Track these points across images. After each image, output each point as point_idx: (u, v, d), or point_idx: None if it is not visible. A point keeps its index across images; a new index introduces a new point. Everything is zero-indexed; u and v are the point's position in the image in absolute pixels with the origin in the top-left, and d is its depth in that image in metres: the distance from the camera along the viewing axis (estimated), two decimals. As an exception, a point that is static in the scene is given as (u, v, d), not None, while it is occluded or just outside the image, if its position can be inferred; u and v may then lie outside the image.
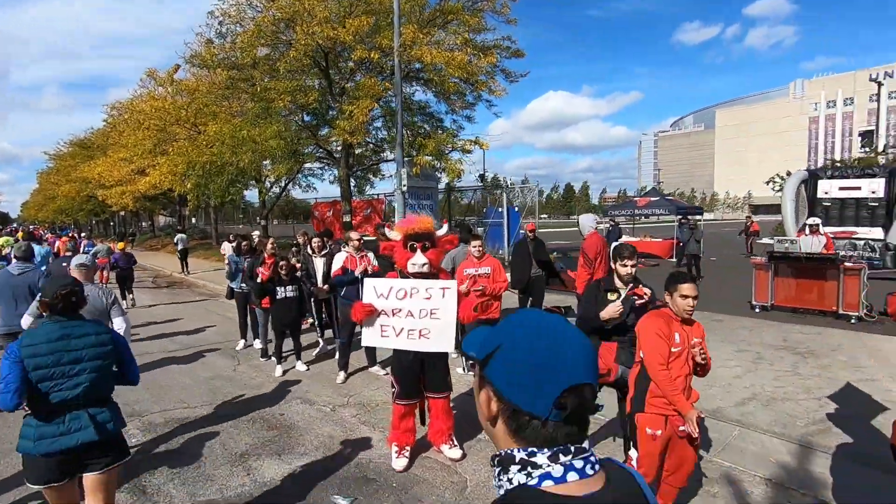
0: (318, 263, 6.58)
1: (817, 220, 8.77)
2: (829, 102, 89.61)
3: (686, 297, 2.64)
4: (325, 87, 13.84)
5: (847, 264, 7.77)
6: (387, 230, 4.12)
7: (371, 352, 5.94)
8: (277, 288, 5.83)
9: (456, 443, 3.79)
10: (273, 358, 6.11)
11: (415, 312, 3.43)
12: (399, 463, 3.61)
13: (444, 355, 3.79)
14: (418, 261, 3.48)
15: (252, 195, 30.01)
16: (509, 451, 0.74)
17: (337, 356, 5.96)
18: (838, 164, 18.63)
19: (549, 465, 0.71)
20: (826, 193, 15.64)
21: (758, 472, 3.46)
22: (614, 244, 3.80)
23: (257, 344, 7.04)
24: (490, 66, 13.60)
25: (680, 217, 15.71)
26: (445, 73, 12.49)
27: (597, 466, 0.74)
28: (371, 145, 18.15)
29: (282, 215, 44.54)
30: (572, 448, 0.72)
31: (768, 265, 8.44)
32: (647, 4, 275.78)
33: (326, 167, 21.60)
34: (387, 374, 5.59)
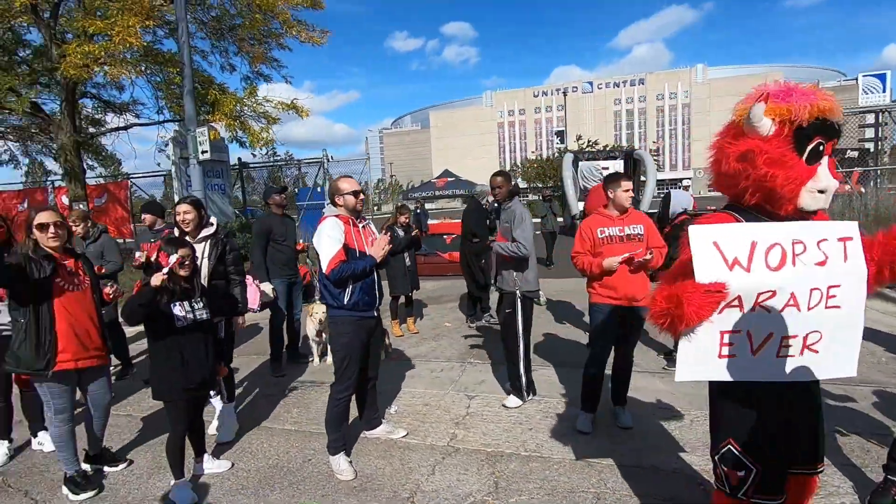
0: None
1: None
2: (510, 111, 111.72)
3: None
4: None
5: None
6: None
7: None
8: (176, 307, 2.79)
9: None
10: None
11: (801, 296, 1.69)
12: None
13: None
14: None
15: None
16: None
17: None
18: (589, 149, 22.58)
19: None
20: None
21: None
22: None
23: (40, 444, 3.58)
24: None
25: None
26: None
27: None
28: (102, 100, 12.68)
29: None
30: None
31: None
32: (361, 8, 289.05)
33: (1, 136, 14.45)
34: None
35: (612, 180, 3.37)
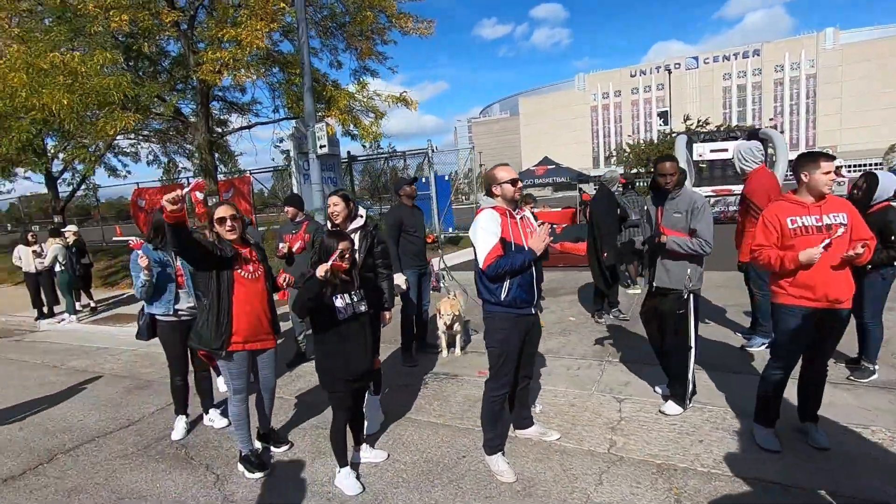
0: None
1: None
2: (604, 94, 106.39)
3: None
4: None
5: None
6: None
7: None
8: (337, 300, 2.84)
9: None
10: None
11: None
12: None
13: None
14: None
15: None
16: None
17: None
18: (705, 130, 20.78)
19: None
20: (700, 156, 17.06)
21: None
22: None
23: (210, 421, 3.87)
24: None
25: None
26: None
27: None
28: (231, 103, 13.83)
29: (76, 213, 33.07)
30: None
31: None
32: (447, 2, 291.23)
33: (147, 140, 16.22)
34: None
35: (807, 160, 2.88)
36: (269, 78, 12.20)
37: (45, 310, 9.01)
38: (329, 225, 3.71)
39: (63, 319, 8.64)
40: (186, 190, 2.75)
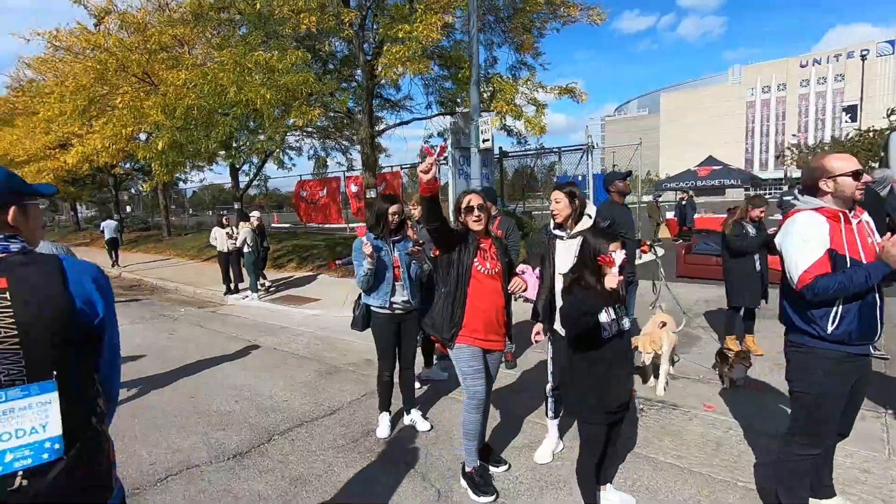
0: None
1: None
2: (764, 87, 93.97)
3: None
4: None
5: None
6: None
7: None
8: (602, 314, 2.37)
9: None
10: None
11: None
12: None
13: None
14: None
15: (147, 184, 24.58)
16: None
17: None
18: None
19: None
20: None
21: None
22: None
23: (412, 421, 3.72)
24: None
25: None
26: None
27: None
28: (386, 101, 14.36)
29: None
30: None
31: None
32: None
33: (309, 136, 17.48)
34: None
35: None
36: (429, 74, 12.39)
37: (232, 286, 10.03)
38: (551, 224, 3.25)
39: (247, 296, 9.52)
40: (434, 157, 2.46)
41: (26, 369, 1.15)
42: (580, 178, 11.91)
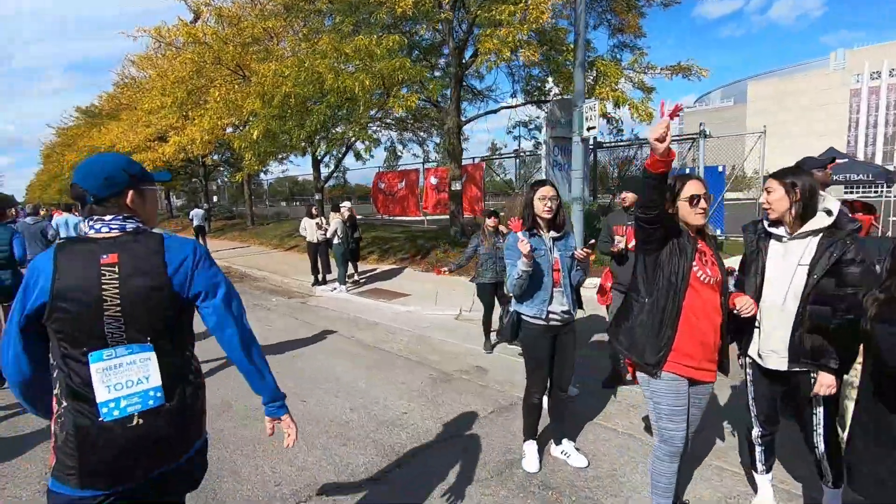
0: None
1: None
2: (873, 73, 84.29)
3: None
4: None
5: None
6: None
7: None
8: None
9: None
10: None
11: None
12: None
13: None
14: None
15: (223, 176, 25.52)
16: None
17: None
18: None
19: None
20: None
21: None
22: None
23: (564, 454, 3.06)
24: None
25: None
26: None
27: None
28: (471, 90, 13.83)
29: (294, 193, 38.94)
30: None
31: None
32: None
33: (387, 127, 17.26)
34: None
35: None
36: (518, 61, 11.70)
37: (320, 277, 9.92)
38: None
39: (335, 288, 9.36)
40: (665, 118, 1.85)
41: (126, 333, 1.38)
42: (687, 170, 10.78)
